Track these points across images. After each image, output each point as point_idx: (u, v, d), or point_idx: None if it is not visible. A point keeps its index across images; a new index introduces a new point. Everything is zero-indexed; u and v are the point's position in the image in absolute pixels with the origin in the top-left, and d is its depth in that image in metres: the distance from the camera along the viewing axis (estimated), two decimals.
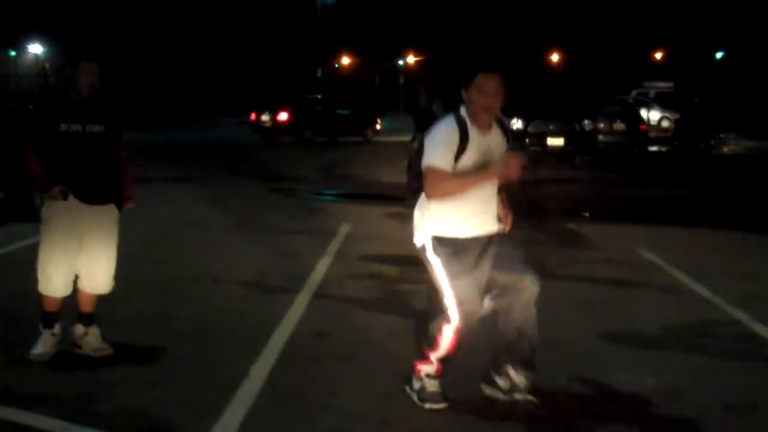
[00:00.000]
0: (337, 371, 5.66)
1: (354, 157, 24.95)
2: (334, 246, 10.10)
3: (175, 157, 23.63)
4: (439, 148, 4.76)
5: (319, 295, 7.68)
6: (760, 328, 6.79)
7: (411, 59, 67.56)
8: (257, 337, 6.27)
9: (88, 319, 5.85)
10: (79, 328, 5.84)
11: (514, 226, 5.24)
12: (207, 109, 53.01)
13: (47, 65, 48.11)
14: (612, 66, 58.90)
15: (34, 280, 5.77)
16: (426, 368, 5.01)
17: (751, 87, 35.34)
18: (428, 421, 4.84)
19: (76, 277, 5.78)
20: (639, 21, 59.34)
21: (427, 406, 4.96)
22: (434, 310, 4.99)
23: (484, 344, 5.19)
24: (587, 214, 13.72)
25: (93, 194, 5.67)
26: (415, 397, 5.03)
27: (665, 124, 31.94)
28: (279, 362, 5.79)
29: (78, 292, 5.82)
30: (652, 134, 27.05)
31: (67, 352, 5.81)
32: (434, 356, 4.96)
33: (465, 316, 4.80)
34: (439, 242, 4.87)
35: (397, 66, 67.47)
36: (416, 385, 5.06)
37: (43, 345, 5.74)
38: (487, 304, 4.98)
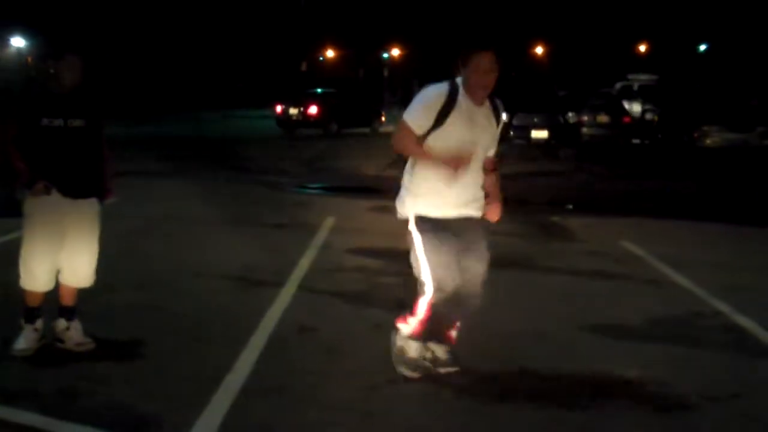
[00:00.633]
0: (322, 364, 5.65)
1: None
2: (318, 239, 10.09)
3: (159, 150, 23.53)
4: (419, 110, 5.06)
5: (303, 288, 7.67)
6: (741, 319, 6.82)
7: (396, 52, 67.47)
8: (241, 330, 6.26)
9: (70, 314, 5.82)
10: (62, 323, 5.81)
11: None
12: (190, 103, 52.78)
13: (30, 59, 47.83)
14: (596, 58, 59.02)
15: (16, 276, 5.73)
16: (404, 327, 5.29)
17: (733, 79, 35.47)
18: (414, 413, 4.85)
19: (58, 272, 5.76)
20: (623, 14, 59.44)
21: (399, 369, 5.28)
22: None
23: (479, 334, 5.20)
24: (570, 207, 13.76)
25: (75, 188, 5.63)
26: (393, 357, 5.37)
27: (649, 116, 31.99)
28: (263, 355, 5.78)
29: (60, 286, 5.79)
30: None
31: (49, 347, 5.78)
32: (411, 319, 5.23)
33: (438, 291, 5.00)
34: (421, 220, 5.11)
35: (382, 59, 67.39)
36: (398, 343, 5.35)
37: (26, 340, 5.70)
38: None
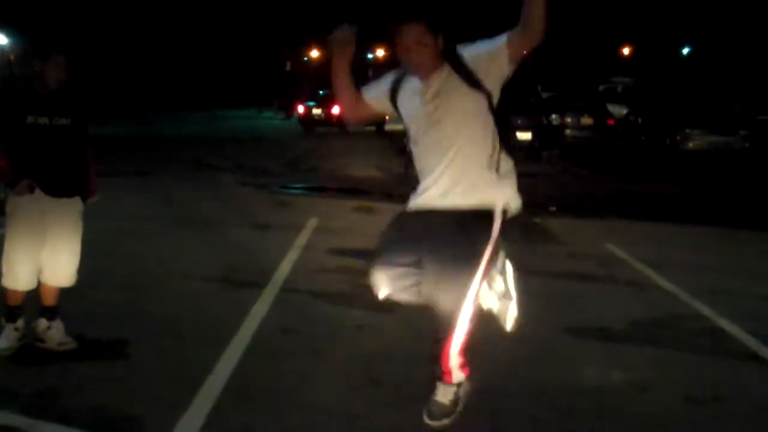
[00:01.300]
0: (305, 366, 5.64)
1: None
2: (301, 240, 10.07)
3: (142, 151, 23.46)
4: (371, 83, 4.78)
5: (286, 290, 7.66)
6: (724, 323, 6.85)
7: (380, 53, 67.44)
8: (224, 331, 6.24)
9: (51, 313, 5.79)
10: (43, 322, 5.78)
11: None
12: (176, 103, 52.59)
13: (12, 57, 47.55)
14: (580, 61, 59.17)
15: None
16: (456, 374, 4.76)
17: (716, 83, 35.64)
18: (395, 415, 4.84)
19: (39, 271, 5.73)
20: (607, 16, 59.61)
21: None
22: None
23: None
24: (553, 209, 13.78)
25: (59, 187, 5.62)
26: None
27: (633, 118, 32.10)
28: (245, 357, 5.77)
29: (41, 285, 5.76)
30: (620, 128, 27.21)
31: (30, 347, 5.75)
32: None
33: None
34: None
35: (366, 60, 67.34)
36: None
37: (6, 339, 5.68)
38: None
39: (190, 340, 6.16)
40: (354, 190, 15.26)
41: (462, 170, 4.42)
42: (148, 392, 5.09)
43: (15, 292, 5.68)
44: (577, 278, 8.48)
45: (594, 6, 58.71)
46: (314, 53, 68.00)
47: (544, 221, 12.17)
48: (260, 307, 7.01)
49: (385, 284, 4.62)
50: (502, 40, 4.25)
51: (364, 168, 19.45)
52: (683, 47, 59.84)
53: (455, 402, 4.61)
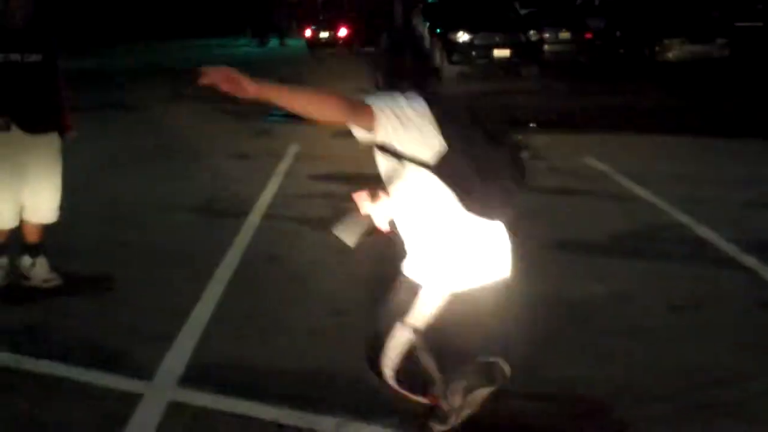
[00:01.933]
0: (290, 292, 5.68)
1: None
2: (282, 167, 10.05)
3: (116, 83, 23.19)
4: None
5: (269, 217, 7.67)
6: (703, 231, 6.91)
7: None
8: (208, 261, 6.26)
9: (35, 250, 5.78)
10: (27, 260, 5.77)
11: None
12: (147, 32, 51.78)
13: None
14: None
15: None
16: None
17: None
18: None
19: (21, 209, 5.71)
20: None
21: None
22: None
23: None
24: (533, 125, 13.75)
25: (35, 123, 5.55)
26: None
27: (610, 31, 31.85)
28: (230, 286, 5.80)
29: (23, 223, 5.73)
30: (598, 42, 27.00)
31: (15, 285, 5.76)
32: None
33: None
34: None
35: None
36: None
37: None
38: None
39: (174, 271, 6.18)
40: None
41: None
42: (135, 325, 5.13)
43: None
44: (559, 192, 8.51)
45: None
46: None
47: (525, 137, 12.15)
48: (243, 236, 7.02)
49: None
50: None
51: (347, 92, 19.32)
52: None
53: None
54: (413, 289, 3.47)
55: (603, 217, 7.53)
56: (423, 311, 3.47)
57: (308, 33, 38.31)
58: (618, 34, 25.97)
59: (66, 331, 5.02)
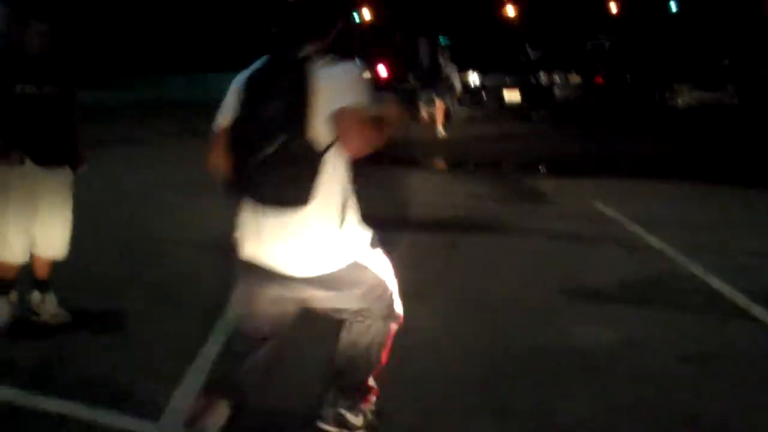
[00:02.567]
0: (298, 330, 5.64)
1: None
2: None
3: (130, 116, 23.33)
4: None
5: None
6: (713, 280, 6.89)
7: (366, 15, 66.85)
8: (216, 299, 6.22)
9: (44, 286, 5.78)
10: (36, 295, 5.77)
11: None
12: (158, 67, 52.14)
13: None
14: (568, 18, 58.93)
15: None
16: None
17: (704, 39, 35.53)
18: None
19: (31, 243, 5.71)
20: None
21: None
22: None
23: None
24: (543, 169, 13.79)
25: (49, 157, 5.57)
26: None
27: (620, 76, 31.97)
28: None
29: (33, 258, 5.74)
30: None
31: (24, 320, 5.75)
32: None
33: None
34: None
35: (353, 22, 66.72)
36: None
37: None
38: None
39: (183, 308, 6.17)
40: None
41: None
42: (143, 362, 5.11)
43: (7, 265, 5.66)
44: (567, 238, 8.51)
45: None
46: None
47: (535, 181, 12.19)
48: None
49: None
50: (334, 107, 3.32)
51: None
52: (671, 2, 59.60)
53: None
54: None
55: (612, 263, 7.51)
56: None
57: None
58: (628, 78, 26.08)
59: (73, 367, 5.01)
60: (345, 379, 3.95)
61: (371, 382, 3.98)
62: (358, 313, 3.77)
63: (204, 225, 8.95)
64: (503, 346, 5.40)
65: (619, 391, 4.72)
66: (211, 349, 5.27)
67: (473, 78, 22.54)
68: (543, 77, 24.10)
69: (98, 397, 4.59)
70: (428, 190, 10.50)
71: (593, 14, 58.20)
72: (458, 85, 19.69)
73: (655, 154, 15.51)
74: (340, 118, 3.28)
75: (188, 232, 8.62)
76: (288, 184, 3.36)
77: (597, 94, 25.91)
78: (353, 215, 3.59)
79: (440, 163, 15.06)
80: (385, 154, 11.44)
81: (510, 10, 66.82)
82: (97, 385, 4.74)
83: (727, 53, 25.68)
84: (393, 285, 3.80)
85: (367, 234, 3.65)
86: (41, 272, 5.79)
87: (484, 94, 22.55)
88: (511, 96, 22.41)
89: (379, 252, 3.71)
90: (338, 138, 3.32)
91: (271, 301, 3.74)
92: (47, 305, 5.76)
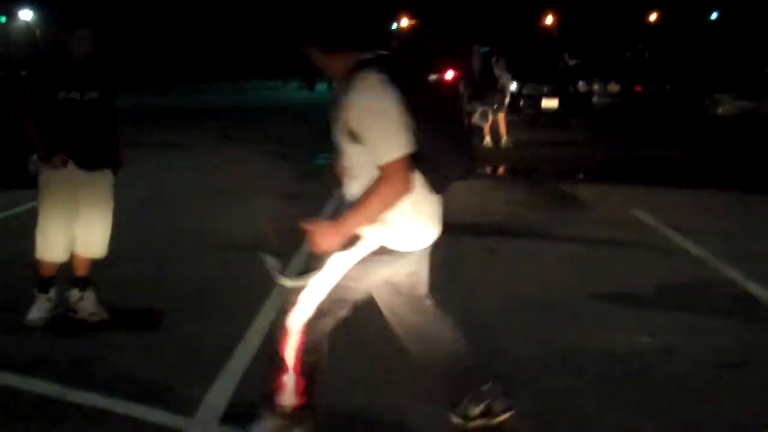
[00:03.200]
0: (334, 333, 5.66)
1: None
2: (330, 208, 10.07)
3: (168, 123, 23.55)
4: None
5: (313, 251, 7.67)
6: (752, 287, 6.82)
7: (405, 22, 67.08)
8: (253, 300, 6.28)
9: (83, 284, 5.87)
10: (75, 293, 5.86)
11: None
12: (198, 74, 52.64)
13: (38, 32, 47.75)
14: (607, 27, 58.69)
15: (31, 246, 5.78)
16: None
17: (745, 47, 35.23)
18: (417, 382, 4.86)
19: (72, 243, 5.79)
20: None
21: None
22: None
23: None
24: (581, 176, 13.73)
25: (90, 160, 5.68)
26: None
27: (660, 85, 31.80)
28: (275, 325, 5.79)
29: (73, 256, 5.83)
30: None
31: (63, 318, 5.83)
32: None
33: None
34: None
35: (390, 30, 67.00)
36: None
37: (39, 310, 5.76)
38: None
39: (220, 308, 6.22)
40: None
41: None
42: (179, 360, 5.15)
43: (49, 263, 5.76)
44: (606, 244, 8.46)
45: None
46: None
47: (573, 188, 12.13)
48: (290, 276, 7.02)
49: None
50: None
51: None
52: (711, 12, 59.16)
53: None
54: None
55: (650, 269, 7.46)
56: None
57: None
58: (667, 87, 25.92)
59: (111, 364, 5.06)
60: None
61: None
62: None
63: (241, 228, 9.01)
64: (538, 349, 5.38)
65: (655, 398, 4.68)
66: (245, 349, 5.31)
67: (512, 86, 22.48)
68: (582, 85, 24.01)
69: (134, 392, 4.63)
70: (469, 196, 10.47)
71: (632, 23, 58.02)
72: (508, 96, 19.18)
73: (694, 163, 15.39)
74: None
75: (226, 234, 8.68)
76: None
77: (636, 102, 25.76)
78: None
79: (481, 170, 15.05)
80: None
81: (549, 20, 66.77)
82: (133, 381, 4.79)
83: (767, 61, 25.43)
84: None
85: None
86: (81, 271, 5.88)
87: (522, 102, 22.46)
88: (549, 104, 22.31)
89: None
90: None
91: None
92: (86, 303, 5.84)
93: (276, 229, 8.81)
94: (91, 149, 5.67)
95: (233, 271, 7.33)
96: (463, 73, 18.45)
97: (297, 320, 3.90)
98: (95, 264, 5.93)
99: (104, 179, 5.80)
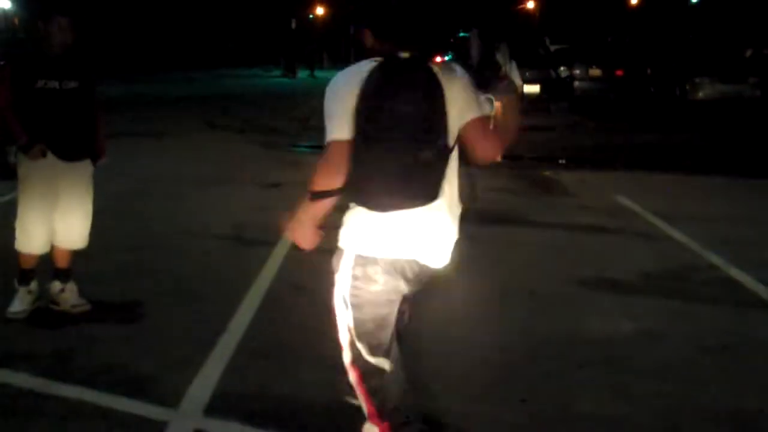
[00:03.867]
0: (317, 323, 5.65)
1: None
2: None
3: (148, 110, 23.42)
4: None
5: (297, 247, 7.65)
6: (735, 272, 6.86)
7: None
8: (236, 290, 6.27)
9: (64, 275, 5.83)
10: (56, 285, 5.82)
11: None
12: (180, 63, 52.38)
13: (16, 20, 47.34)
14: (588, 12, 58.70)
15: (11, 238, 5.73)
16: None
17: (726, 31, 35.30)
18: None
19: (52, 234, 5.75)
20: None
21: None
22: None
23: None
24: (563, 162, 13.74)
25: (70, 150, 5.62)
26: None
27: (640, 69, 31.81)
28: (258, 315, 5.80)
29: (54, 248, 5.78)
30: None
31: (45, 310, 5.80)
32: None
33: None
34: None
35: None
36: None
37: (20, 302, 5.72)
38: None
39: (202, 299, 6.20)
40: None
41: None
42: (162, 351, 5.13)
43: (29, 255, 5.72)
44: (588, 230, 8.48)
45: None
46: (319, 11, 67.49)
47: (555, 174, 12.15)
48: (271, 265, 7.03)
49: None
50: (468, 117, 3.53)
51: None
52: None
53: None
54: None
55: (633, 255, 7.48)
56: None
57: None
58: (648, 71, 25.93)
59: (93, 356, 5.03)
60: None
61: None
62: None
63: (223, 217, 8.98)
64: (521, 336, 5.39)
65: (639, 382, 4.70)
66: (228, 339, 5.30)
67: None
68: (563, 70, 23.99)
69: (117, 384, 4.61)
70: None
71: (613, 7, 58.01)
72: (519, 82, 19.07)
73: (677, 148, 15.43)
74: (472, 127, 3.51)
75: (208, 223, 8.64)
76: (431, 183, 3.42)
77: (618, 87, 25.76)
78: None
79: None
80: None
81: (530, 5, 66.67)
82: (116, 373, 4.77)
83: (749, 44, 25.48)
84: None
85: None
86: (61, 262, 5.84)
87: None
88: (531, 89, 22.31)
89: None
90: (468, 146, 3.54)
91: (396, 300, 3.60)
92: (67, 295, 5.80)
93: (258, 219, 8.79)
94: (70, 139, 5.61)
95: (214, 261, 7.31)
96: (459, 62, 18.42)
97: (347, 360, 3.73)
98: (76, 254, 5.89)
99: (84, 170, 5.75)
